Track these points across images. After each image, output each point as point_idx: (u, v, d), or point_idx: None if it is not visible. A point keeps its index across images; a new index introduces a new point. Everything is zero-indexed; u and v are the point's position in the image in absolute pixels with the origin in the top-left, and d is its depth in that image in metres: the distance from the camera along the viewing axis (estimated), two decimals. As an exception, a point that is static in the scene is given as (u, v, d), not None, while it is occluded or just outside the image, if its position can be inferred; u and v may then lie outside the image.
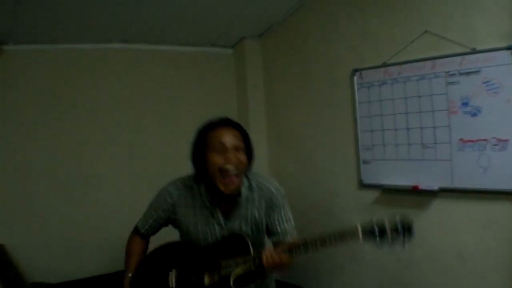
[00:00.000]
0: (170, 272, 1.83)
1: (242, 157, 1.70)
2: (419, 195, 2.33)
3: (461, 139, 2.16)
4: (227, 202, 1.77)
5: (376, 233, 1.54)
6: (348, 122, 2.64)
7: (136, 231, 1.94)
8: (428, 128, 2.27)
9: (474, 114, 2.11)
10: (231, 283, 1.65)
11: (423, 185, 2.28)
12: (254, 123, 3.18)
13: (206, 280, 1.73)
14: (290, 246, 1.59)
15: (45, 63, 2.59)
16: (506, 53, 1.99)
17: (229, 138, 1.68)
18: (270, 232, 1.82)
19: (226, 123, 1.74)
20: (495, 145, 2.05)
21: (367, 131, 2.53)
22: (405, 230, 1.54)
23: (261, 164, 3.16)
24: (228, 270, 1.66)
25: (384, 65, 2.41)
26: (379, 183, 2.49)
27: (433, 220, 2.30)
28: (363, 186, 2.59)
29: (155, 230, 1.93)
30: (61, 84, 2.62)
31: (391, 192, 2.47)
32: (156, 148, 2.90)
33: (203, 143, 1.72)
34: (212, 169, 1.68)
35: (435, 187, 2.24)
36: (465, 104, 2.13)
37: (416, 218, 2.27)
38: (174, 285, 1.79)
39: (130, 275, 1.82)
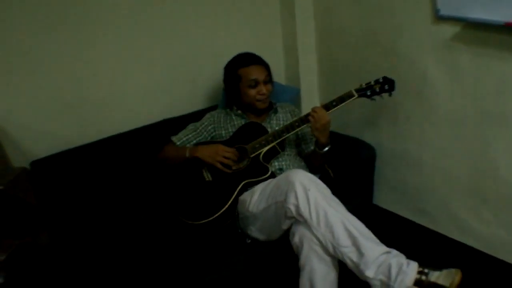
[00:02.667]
0: (202, 169, 2.24)
1: (269, 86, 2.33)
2: (512, 35, 1.90)
3: None
4: (259, 117, 2.39)
5: (366, 88, 2.14)
6: None
7: (170, 143, 2.33)
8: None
9: None
10: (261, 159, 2.17)
11: (520, 22, 1.83)
12: None
13: (240, 165, 2.20)
14: (324, 105, 2.14)
15: None
16: None
17: (259, 75, 2.28)
18: (302, 141, 2.41)
19: (254, 60, 2.32)
20: None
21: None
22: (388, 83, 2.11)
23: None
24: (255, 151, 2.19)
25: None
26: (462, 16, 2.02)
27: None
28: (439, 18, 2.12)
29: (190, 143, 2.33)
30: None
31: (476, 28, 2.02)
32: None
33: (237, 77, 2.31)
34: (250, 100, 2.31)
35: (536, 25, 1.79)
36: None
37: (506, 62, 1.95)
38: (211, 179, 2.20)
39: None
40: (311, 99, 2.87)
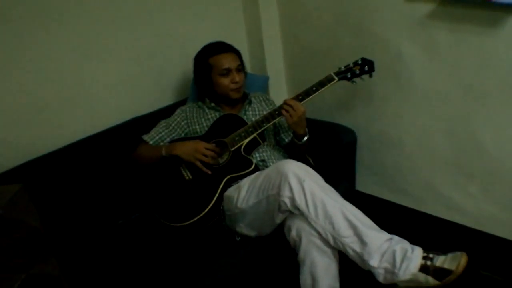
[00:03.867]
0: (180, 168, 2.15)
1: (242, 75, 2.27)
2: (491, 10, 1.92)
3: None
4: (233, 108, 2.34)
5: (345, 71, 2.09)
6: None
7: (142, 143, 2.23)
8: None
9: None
10: (242, 152, 2.10)
11: (498, -4, 1.85)
12: None
13: (220, 160, 2.14)
14: (304, 91, 2.06)
15: None
16: None
17: (231, 63, 2.22)
18: (280, 130, 2.36)
19: (225, 48, 2.26)
20: None
21: None
22: (367, 64, 2.07)
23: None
24: (235, 144, 2.12)
25: None
26: (437, -7, 2.04)
27: (509, 42, 1.93)
28: (413, -5, 2.13)
29: (163, 142, 2.24)
30: None
31: (453, 5, 2.03)
32: None
33: (208, 66, 2.24)
34: (223, 90, 2.25)
35: (515, -1, 1.81)
36: None
37: (486, 39, 1.98)
38: (191, 177, 2.12)
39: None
40: (279, 87, 2.84)
